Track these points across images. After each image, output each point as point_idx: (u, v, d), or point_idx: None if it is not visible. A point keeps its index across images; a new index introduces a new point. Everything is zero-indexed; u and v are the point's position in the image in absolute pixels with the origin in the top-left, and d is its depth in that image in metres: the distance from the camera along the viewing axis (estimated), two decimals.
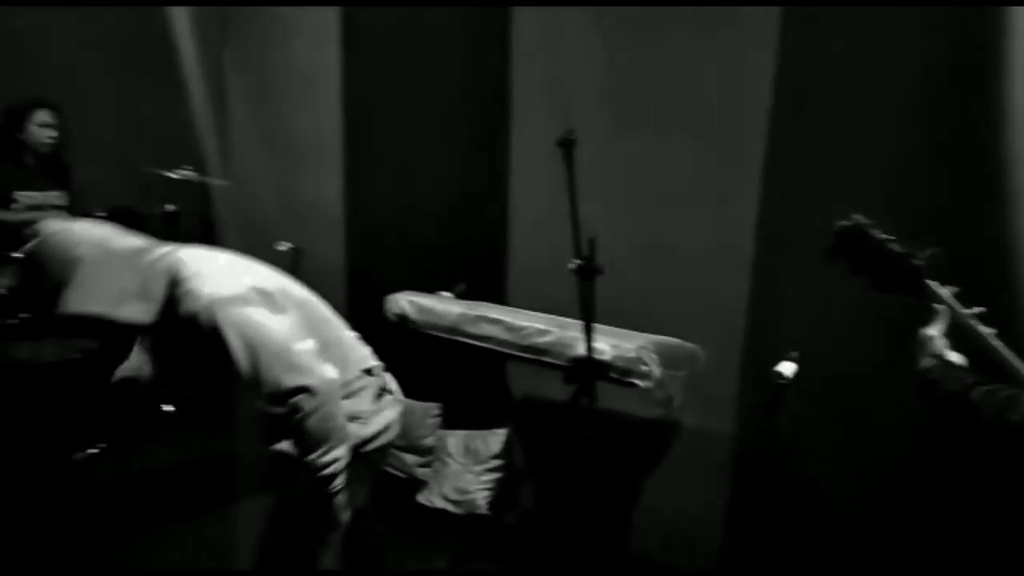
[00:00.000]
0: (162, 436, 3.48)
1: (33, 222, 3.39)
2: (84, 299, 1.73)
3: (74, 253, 1.76)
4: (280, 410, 1.75)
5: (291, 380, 1.74)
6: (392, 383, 2.16)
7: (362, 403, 1.99)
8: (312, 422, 1.75)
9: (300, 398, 1.74)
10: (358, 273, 4.13)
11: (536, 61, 3.21)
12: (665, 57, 2.81)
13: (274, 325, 1.80)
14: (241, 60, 4.70)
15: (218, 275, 1.83)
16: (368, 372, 2.05)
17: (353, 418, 1.94)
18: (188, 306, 1.75)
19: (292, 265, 4.32)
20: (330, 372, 1.83)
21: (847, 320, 2.39)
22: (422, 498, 3.32)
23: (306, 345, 1.83)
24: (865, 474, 2.43)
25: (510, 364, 3.26)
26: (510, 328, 2.87)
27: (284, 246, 4.30)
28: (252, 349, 1.74)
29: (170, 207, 3.73)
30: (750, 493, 2.72)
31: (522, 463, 3.22)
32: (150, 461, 3.28)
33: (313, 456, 1.76)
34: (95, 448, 3.27)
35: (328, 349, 1.93)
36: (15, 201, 3.49)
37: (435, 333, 3.18)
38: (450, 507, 3.23)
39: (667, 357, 2.55)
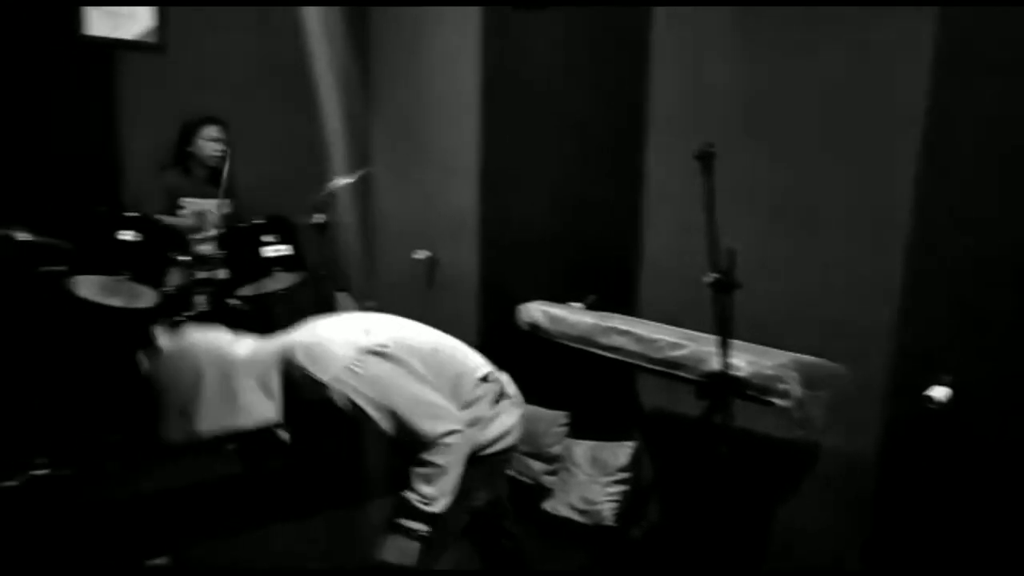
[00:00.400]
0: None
1: (199, 228, 3.71)
2: (217, 419, 1.83)
3: (197, 373, 1.84)
4: (427, 453, 1.83)
5: (440, 427, 1.83)
6: (510, 387, 2.20)
7: (480, 409, 2.05)
8: (450, 458, 1.84)
9: (447, 438, 1.83)
10: (491, 282, 4.22)
11: (676, 66, 3.18)
12: (811, 62, 2.72)
13: (400, 380, 1.88)
14: (387, 73, 4.91)
15: (333, 349, 1.89)
16: (484, 379, 2.09)
17: (471, 424, 1.99)
18: (315, 390, 1.84)
19: (428, 274, 4.49)
20: (461, 415, 1.92)
21: (1003, 344, 2.24)
22: (548, 506, 3.35)
23: (439, 392, 1.92)
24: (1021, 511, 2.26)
25: (640, 376, 3.23)
26: (641, 340, 2.86)
27: (421, 255, 4.47)
28: (390, 411, 1.83)
29: (320, 217, 3.95)
30: (893, 525, 2.58)
31: (650, 477, 3.19)
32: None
33: (429, 490, 1.82)
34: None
35: (448, 380, 2.00)
36: (182, 208, 3.81)
37: (566, 343, 3.21)
38: (576, 516, 3.24)
39: (808, 376, 2.47)
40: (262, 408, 1.87)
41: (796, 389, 2.43)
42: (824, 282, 2.72)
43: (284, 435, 2.00)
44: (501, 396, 2.11)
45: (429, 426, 1.83)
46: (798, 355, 2.59)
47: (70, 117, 4.08)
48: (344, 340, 1.92)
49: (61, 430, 3.37)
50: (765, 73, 2.85)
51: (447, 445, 1.84)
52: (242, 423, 1.85)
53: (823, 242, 2.72)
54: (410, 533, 1.83)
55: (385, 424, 1.83)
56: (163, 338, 1.91)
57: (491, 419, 2.06)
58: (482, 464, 2.02)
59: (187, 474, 3.26)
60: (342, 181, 4.01)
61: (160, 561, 2.93)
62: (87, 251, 3.23)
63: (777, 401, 2.44)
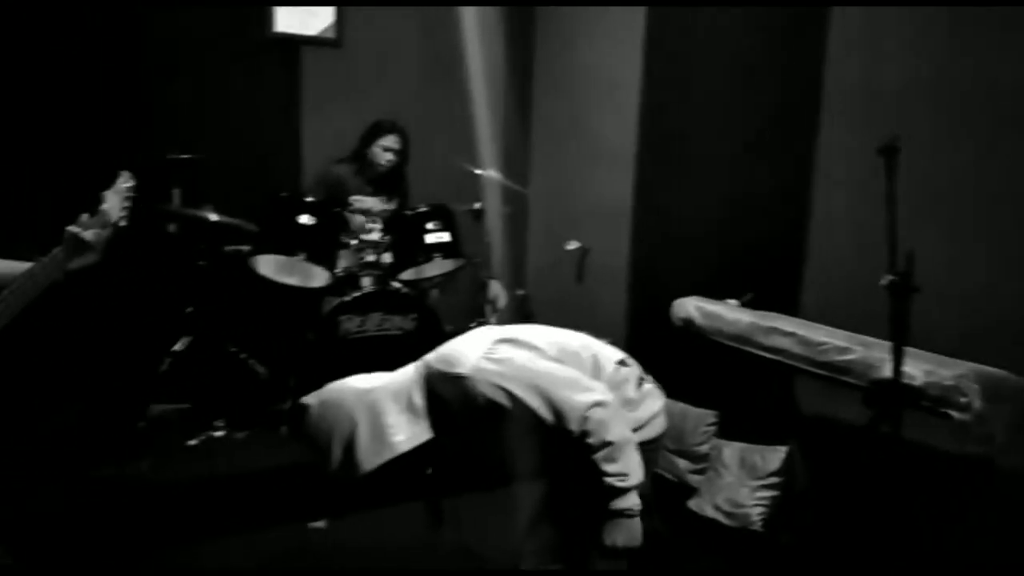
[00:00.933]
0: None
1: (366, 212, 3.91)
2: (375, 457, 1.88)
3: (351, 421, 1.90)
4: (590, 436, 1.82)
5: (589, 396, 1.83)
6: (648, 375, 2.17)
7: (628, 391, 2.04)
8: (615, 430, 1.82)
9: (597, 410, 1.82)
10: (642, 274, 4.19)
11: (852, 62, 3.04)
12: (1000, 57, 2.52)
13: (537, 362, 1.90)
14: (548, 61, 4.97)
15: (464, 347, 1.94)
16: (621, 363, 2.08)
17: (622, 404, 1.98)
18: (458, 393, 1.87)
19: (578, 264, 4.52)
20: (608, 391, 1.91)
21: None
22: (693, 505, 3.30)
23: (577, 371, 1.93)
24: None
25: (799, 379, 3.12)
26: (805, 342, 2.76)
27: (572, 245, 4.50)
28: (537, 389, 1.84)
29: (478, 205, 4.06)
30: None
31: (804, 484, 3.07)
32: None
33: (620, 465, 1.83)
34: None
35: (583, 363, 2.00)
36: (350, 205, 4.01)
37: (721, 340, 3.14)
38: (722, 518, 3.17)
39: (990, 389, 2.30)
40: (414, 430, 1.92)
41: (976, 402, 2.27)
42: (1011, 289, 2.51)
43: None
44: (642, 380, 2.10)
45: (578, 397, 1.82)
46: (980, 366, 2.41)
47: (259, 108, 4.41)
48: (473, 338, 1.99)
49: (239, 396, 3.67)
50: (949, 68, 2.67)
51: (603, 421, 1.82)
52: (396, 452, 1.90)
53: (1010, 245, 2.51)
54: (624, 513, 1.84)
55: (536, 403, 1.83)
56: (309, 397, 2.02)
57: (639, 401, 2.05)
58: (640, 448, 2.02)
59: None
60: (493, 174, 4.10)
61: (319, 524, 3.14)
62: (269, 232, 3.50)
63: (955, 414, 2.29)
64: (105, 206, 1.94)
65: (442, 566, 2.88)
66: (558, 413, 1.83)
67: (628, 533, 1.85)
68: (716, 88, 3.66)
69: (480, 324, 4.22)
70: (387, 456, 1.88)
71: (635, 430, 1.97)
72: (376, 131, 4.00)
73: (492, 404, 1.85)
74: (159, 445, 3.27)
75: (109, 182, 2.04)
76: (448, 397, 1.92)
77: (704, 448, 3.40)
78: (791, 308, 3.23)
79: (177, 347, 3.68)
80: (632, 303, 4.23)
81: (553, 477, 2.17)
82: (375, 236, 3.77)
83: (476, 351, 1.91)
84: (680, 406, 3.49)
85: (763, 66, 3.44)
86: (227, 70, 4.26)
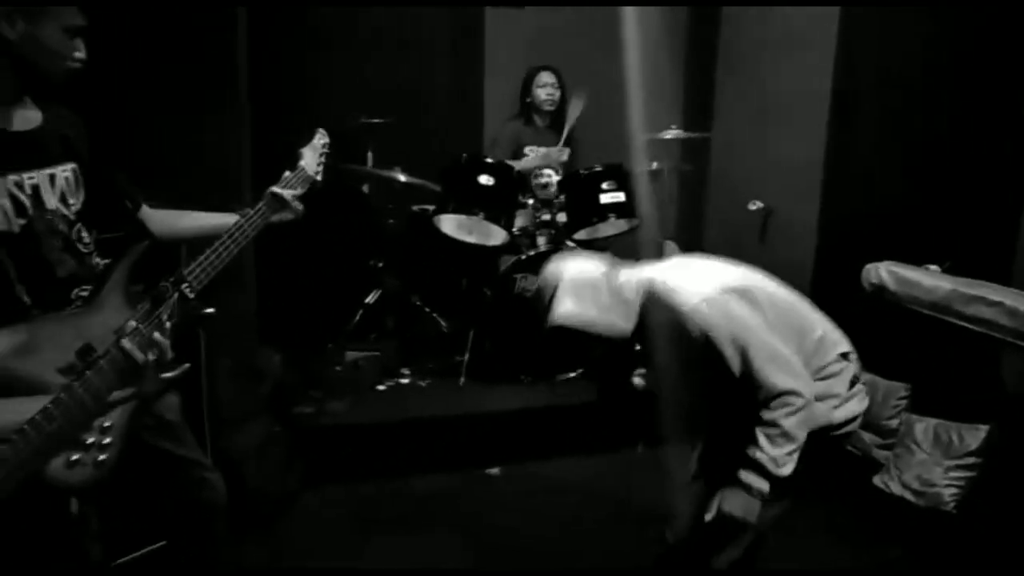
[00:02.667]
0: None
1: (535, 172, 3.98)
2: (565, 313, 1.93)
3: (557, 278, 1.97)
4: (768, 412, 1.80)
5: (784, 382, 1.80)
6: (863, 375, 2.04)
7: (837, 386, 1.94)
8: (793, 422, 1.79)
9: (790, 398, 1.79)
10: (831, 236, 3.95)
11: None
12: None
13: (761, 327, 1.85)
14: (735, 21, 4.76)
15: (695, 282, 1.91)
16: (844, 356, 1.98)
17: (825, 398, 1.91)
18: (677, 318, 1.86)
19: (762, 226, 4.33)
20: (815, 407, 1.86)
21: None
22: (879, 481, 3.12)
23: (790, 349, 1.87)
24: None
25: (1006, 354, 2.83)
26: (1013, 313, 2.50)
27: (755, 205, 4.32)
28: (743, 350, 1.81)
29: (656, 165, 4.01)
30: None
31: (1006, 466, 2.81)
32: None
33: (776, 452, 1.80)
34: (573, 372, 3.74)
35: (803, 341, 1.93)
36: (525, 155, 4.11)
37: (916, 308, 2.91)
38: (910, 496, 2.98)
39: None
40: (615, 321, 1.95)
41: None
42: None
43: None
44: (856, 380, 1.99)
45: (777, 378, 1.79)
46: None
47: (445, 73, 4.59)
48: (708, 276, 1.96)
49: (422, 347, 3.91)
50: None
51: (791, 408, 1.78)
52: (593, 322, 1.94)
53: None
54: (752, 491, 1.82)
55: (735, 363, 1.82)
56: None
57: (844, 400, 1.95)
58: (824, 445, 1.94)
59: (547, 396, 3.59)
60: (673, 133, 4.02)
61: (494, 471, 3.30)
62: (450, 192, 3.66)
63: None
64: (303, 162, 2.10)
65: (602, 516, 2.94)
66: (753, 382, 1.82)
67: (745, 507, 1.83)
68: (924, 48, 3.33)
69: None
70: (581, 321, 1.93)
71: (825, 428, 1.91)
72: (531, 75, 4.12)
73: (695, 344, 1.86)
74: (353, 388, 3.55)
75: (306, 140, 2.21)
76: (658, 318, 1.94)
77: (894, 422, 3.19)
78: (1001, 277, 2.93)
79: (368, 299, 3.98)
80: (819, 266, 4.00)
81: (715, 437, 2.15)
82: (551, 191, 3.83)
83: (703, 290, 1.89)
84: (869, 377, 3.29)
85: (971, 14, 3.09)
86: (416, 36, 4.46)
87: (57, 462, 1.45)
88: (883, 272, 3.08)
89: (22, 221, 1.56)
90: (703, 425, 2.18)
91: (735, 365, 1.83)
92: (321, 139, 2.18)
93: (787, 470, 1.81)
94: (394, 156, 3.97)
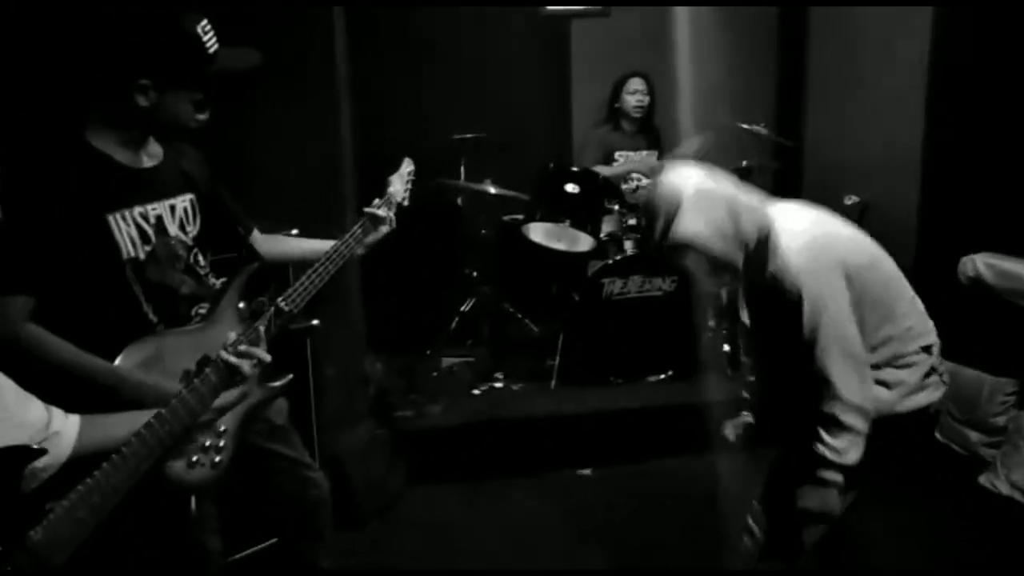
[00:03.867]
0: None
1: (625, 177, 4.05)
2: (688, 230, 1.85)
3: (681, 191, 1.87)
4: (825, 404, 1.80)
5: (849, 390, 1.78)
6: (943, 365, 2.00)
7: (910, 376, 1.92)
8: (850, 417, 1.79)
9: (856, 400, 1.79)
10: (930, 229, 3.83)
11: None
12: None
13: (849, 325, 1.82)
14: (825, 16, 4.68)
15: (809, 243, 1.84)
16: (926, 350, 1.94)
17: (894, 386, 1.90)
18: (774, 265, 1.82)
19: (858, 220, 4.23)
20: (881, 393, 1.86)
21: None
22: (985, 480, 3.02)
23: (869, 334, 1.86)
24: None
25: None
26: None
27: (851, 200, 4.22)
28: (816, 331, 1.79)
29: (744, 163, 3.99)
30: None
31: None
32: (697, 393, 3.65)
33: (838, 442, 1.80)
34: (663, 374, 3.78)
35: (890, 328, 1.90)
36: (616, 160, 4.17)
37: (1018, 302, 2.81)
38: (1019, 496, 2.87)
39: None
40: (727, 247, 1.87)
41: None
42: None
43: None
44: (932, 372, 1.96)
45: (841, 379, 1.78)
46: None
47: (532, 85, 4.71)
48: (824, 241, 1.88)
49: (515, 352, 4.03)
50: None
51: (853, 408, 1.79)
52: (707, 243, 1.85)
53: None
54: (826, 483, 1.83)
55: (807, 330, 1.78)
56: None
57: (915, 390, 1.93)
58: (893, 432, 1.91)
59: (638, 398, 3.62)
60: (762, 129, 3.99)
61: (585, 471, 3.38)
62: (538, 201, 3.77)
63: None
64: (391, 189, 2.25)
65: (692, 519, 2.96)
66: (818, 368, 1.81)
67: (822, 501, 1.83)
68: (1020, 23, 3.20)
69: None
70: (698, 240, 1.85)
71: (887, 415, 1.89)
72: (620, 81, 4.18)
73: (781, 299, 1.81)
74: (449, 392, 3.71)
75: (395, 167, 2.36)
76: (758, 260, 1.88)
77: (1001, 420, 3.08)
78: None
79: (464, 307, 4.14)
80: (918, 260, 3.88)
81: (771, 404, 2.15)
82: (638, 195, 3.88)
83: (815, 258, 1.82)
84: (973, 373, 3.18)
85: None
86: (504, 51, 4.60)
87: (179, 464, 1.65)
88: (980, 264, 2.99)
89: (148, 248, 1.76)
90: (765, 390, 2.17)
91: (806, 331, 1.79)
92: (407, 167, 2.33)
93: (852, 457, 1.81)
94: (486, 168, 4.12)
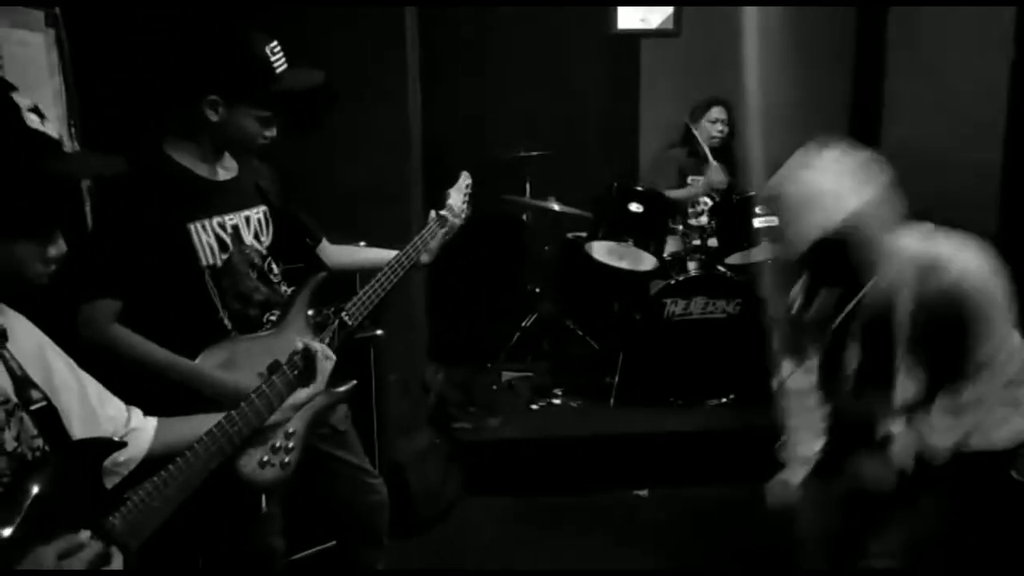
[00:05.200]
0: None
1: (692, 200, 4.03)
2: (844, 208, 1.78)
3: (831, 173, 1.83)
4: (957, 385, 1.80)
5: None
6: None
7: (1014, 398, 1.87)
8: (970, 396, 1.79)
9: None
10: (1011, 243, 3.69)
11: None
12: None
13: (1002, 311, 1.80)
14: (907, 30, 4.58)
15: (977, 253, 1.80)
16: None
17: (1001, 407, 1.85)
18: (947, 278, 1.77)
19: None
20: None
21: None
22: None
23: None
24: None
25: None
26: None
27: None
28: (981, 324, 1.77)
29: None
30: None
31: None
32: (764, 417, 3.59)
33: (939, 421, 1.80)
34: (725, 398, 3.73)
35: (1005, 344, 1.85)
36: (688, 184, 4.15)
37: None
38: None
39: None
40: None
41: None
42: None
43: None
44: None
45: (987, 374, 1.78)
46: None
47: (601, 102, 4.74)
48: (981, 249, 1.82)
49: (574, 369, 4.04)
50: None
51: (969, 406, 1.79)
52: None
53: None
54: (897, 455, 1.83)
55: (974, 330, 1.77)
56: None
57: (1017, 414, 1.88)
58: (984, 467, 1.89)
59: (697, 421, 3.60)
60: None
61: (642, 492, 3.36)
62: (602, 220, 3.79)
63: None
64: (450, 202, 2.30)
65: (743, 549, 2.92)
66: (958, 357, 1.80)
67: (881, 473, 1.84)
68: None
69: None
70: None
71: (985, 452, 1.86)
72: (702, 107, 4.12)
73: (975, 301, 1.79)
74: (508, 406, 3.75)
75: (453, 181, 2.38)
76: (899, 269, 1.82)
77: None
78: None
79: (525, 322, 4.18)
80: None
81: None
82: (703, 218, 3.87)
83: (972, 255, 1.79)
84: None
85: None
86: (573, 69, 4.65)
87: (251, 464, 1.72)
88: None
89: (224, 256, 1.86)
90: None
91: (968, 334, 1.78)
92: (465, 180, 2.38)
93: (937, 440, 1.80)
94: (551, 185, 4.16)
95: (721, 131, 4.11)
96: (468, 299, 4.27)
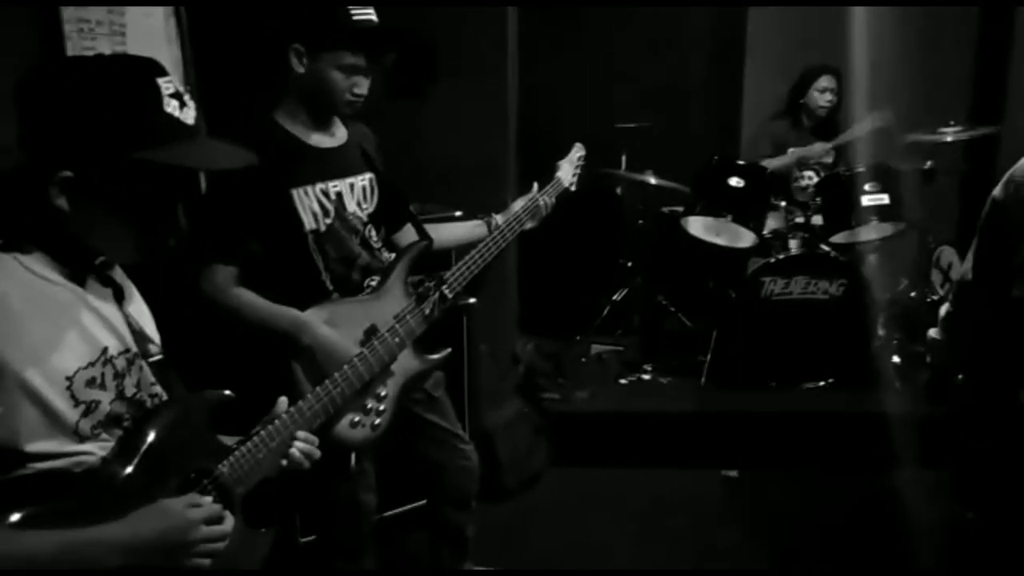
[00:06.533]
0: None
1: (795, 174, 3.88)
2: None
3: None
4: None
5: None
6: None
7: None
8: None
9: None
10: None
11: None
12: None
13: None
14: None
15: None
16: None
17: None
18: None
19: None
20: None
21: None
22: None
23: None
24: None
25: None
26: None
27: None
28: None
29: (929, 164, 3.73)
30: None
31: None
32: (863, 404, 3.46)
33: None
34: (823, 381, 3.61)
35: None
36: (786, 155, 4.00)
37: None
38: None
39: None
40: None
41: None
42: None
43: None
44: None
45: None
46: None
47: (703, 74, 4.61)
48: None
49: (665, 345, 3.99)
50: None
51: None
52: None
53: None
54: None
55: None
56: None
57: None
58: None
59: (792, 404, 3.51)
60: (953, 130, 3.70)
61: (731, 473, 3.30)
62: (700, 194, 3.70)
63: None
64: (559, 174, 2.29)
65: (835, 537, 2.83)
66: None
67: None
68: None
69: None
70: None
71: None
72: (810, 75, 3.95)
73: None
74: (596, 380, 3.74)
75: (564, 152, 2.36)
76: None
77: None
78: None
79: (616, 296, 4.15)
80: None
81: None
82: (808, 193, 3.74)
83: None
84: None
85: None
86: (675, 39, 4.53)
87: (343, 423, 1.79)
88: None
89: (328, 221, 1.91)
90: None
91: None
92: (578, 152, 2.35)
93: None
94: (648, 158, 4.08)
95: (830, 101, 3.93)
96: (559, 272, 4.26)
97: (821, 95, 3.93)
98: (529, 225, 2.18)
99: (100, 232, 1.19)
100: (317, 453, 1.46)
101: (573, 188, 2.31)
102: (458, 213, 2.80)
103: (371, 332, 1.83)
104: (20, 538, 1.05)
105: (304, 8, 1.84)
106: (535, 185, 2.22)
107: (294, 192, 1.85)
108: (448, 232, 2.24)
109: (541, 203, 2.19)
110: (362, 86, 1.88)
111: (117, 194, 1.16)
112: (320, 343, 1.78)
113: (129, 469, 1.19)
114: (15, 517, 1.07)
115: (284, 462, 1.41)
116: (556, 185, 2.26)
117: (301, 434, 1.44)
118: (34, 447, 1.13)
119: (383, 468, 2.16)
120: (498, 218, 2.14)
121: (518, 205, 2.16)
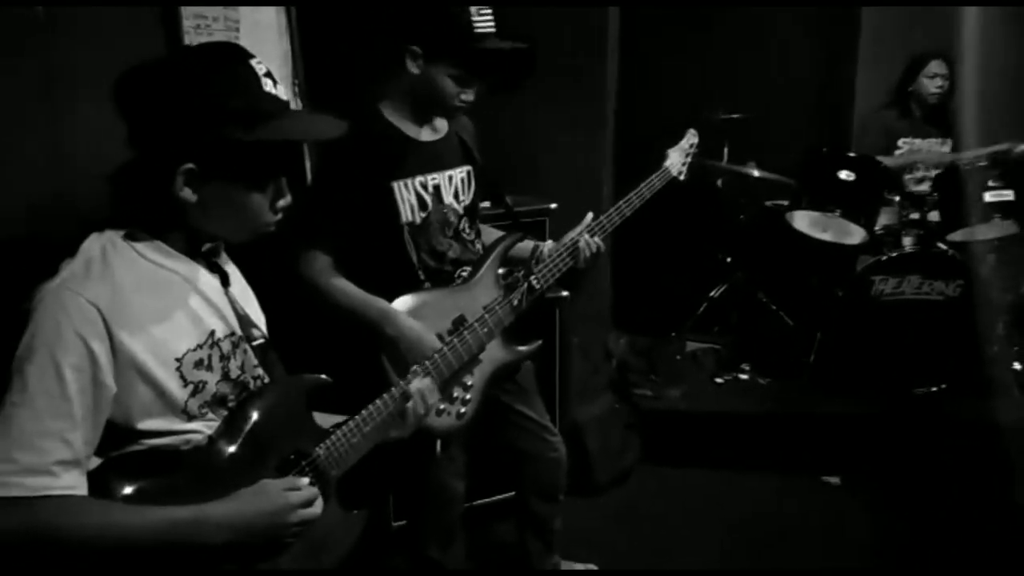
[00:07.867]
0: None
1: (910, 166, 3.68)
2: None
3: None
4: None
5: None
6: None
7: None
8: None
9: None
10: None
11: None
12: None
13: None
14: None
15: None
16: None
17: None
18: None
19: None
20: None
21: None
22: None
23: None
24: None
25: None
26: None
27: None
28: None
29: None
30: None
31: None
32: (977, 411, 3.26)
33: None
34: (935, 387, 3.42)
35: None
36: (899, 148, 3.79)
37: None
38: None
39: None
40: None
41: None
42: None
43: None
44: None
45: None
46: None
47: (815, 66, 4.42)
48: None
49: (766, 344, 3.85)
50: None
51: None
52: None
53: None
54: None
55: None
56: None
57: None
58: None
59: (930, 410, 3.36)
60: None
61: (833, 479, 3.17)
62: (807, 187, 3.55)
63: None
64: (667, 162, 2.21)
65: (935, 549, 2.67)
66: None
67: None
68: None
69: None
70: None
71: None
72: (919, 61, 3.74)
73: None
74: (690, 378, 3.66)
75: (675, 139, 2.27)
76: None
77: None
78: None
79: (714, 293, 4.04)
80: None
81: None
82: (924, 187, 3.53)
83: None
84: None
85: None
86: (783, 27, 4.37)
87: None
88: None
89: (423, 214, 1.93)
90: None
91: None
92: (690, 139, 2.28)
93: None
94: (751, 150, 3.95)
95: (940, 87, 3.70)
96: (655, 266, 4.19)
97: (931, 81, 3.71)
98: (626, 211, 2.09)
99: (217, 214, 1.23)
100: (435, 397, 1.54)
101: (683, 178, 2.23)
102: (553, 206, 2.80)
103: (460, 322, 1.85)
104: (136, 512, 1.11)
105: (426, 11, 1.84)
106: (588, 215, 2.05)
107: (395, 184, 1.89)
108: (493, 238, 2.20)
109: (581, 243, 2.00)
110: (471, 94, 1.89)
111: (238, 177, 1.22)
112: (403, 334, 1.80)
113: (233, 448, 1.24)
114: (128, 490, 1.13)
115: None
116: (663, 174, 2.19)
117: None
118: (146, 424, 1.19)
119: (475, 457, 2.18)
120: (545, 248, 2.03)
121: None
